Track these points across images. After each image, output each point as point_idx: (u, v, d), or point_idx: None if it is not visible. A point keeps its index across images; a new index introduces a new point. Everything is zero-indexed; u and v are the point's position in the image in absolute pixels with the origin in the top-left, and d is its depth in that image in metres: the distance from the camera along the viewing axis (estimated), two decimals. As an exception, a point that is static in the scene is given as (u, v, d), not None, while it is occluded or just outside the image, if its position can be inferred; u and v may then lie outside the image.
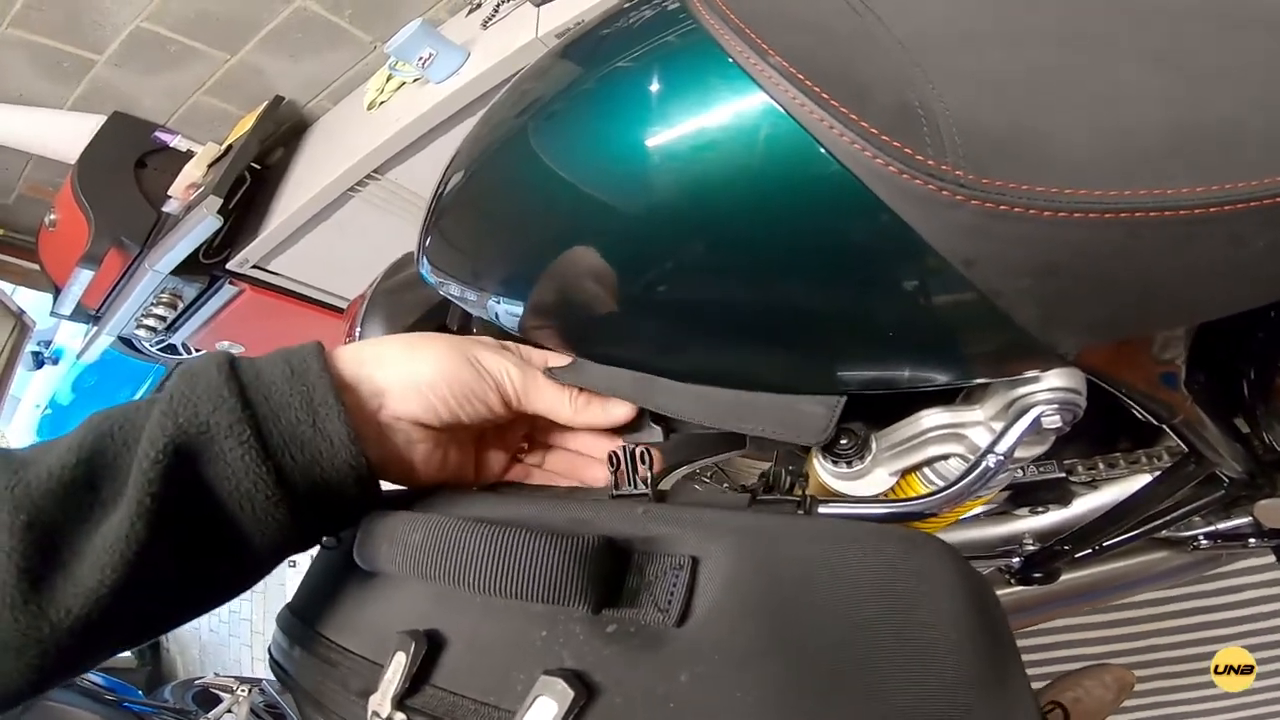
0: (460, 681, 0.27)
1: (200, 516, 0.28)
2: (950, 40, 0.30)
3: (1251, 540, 0.60)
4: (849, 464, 0.41)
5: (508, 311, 0.38)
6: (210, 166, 1.49)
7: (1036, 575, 0.60)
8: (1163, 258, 0.26)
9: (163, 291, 1.51)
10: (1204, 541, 0.61)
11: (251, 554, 0.30)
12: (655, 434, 0.39)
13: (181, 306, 1.57)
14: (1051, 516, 0.62)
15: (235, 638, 2.59)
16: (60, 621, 0.25)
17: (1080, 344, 0.29)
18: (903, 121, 0.25)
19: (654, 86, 0.30)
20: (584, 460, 0.41)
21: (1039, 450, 0.37)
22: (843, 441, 0.40)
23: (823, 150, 0.26)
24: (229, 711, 1.68)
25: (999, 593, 0.69)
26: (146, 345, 1.68)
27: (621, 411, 0.37)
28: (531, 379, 0.36)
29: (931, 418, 0.37)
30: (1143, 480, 0.57)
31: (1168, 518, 0.55)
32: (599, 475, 0.40)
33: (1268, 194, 0.24)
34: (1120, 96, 0.27)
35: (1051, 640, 0.96)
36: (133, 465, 0.27)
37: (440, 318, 0.59)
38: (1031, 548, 0.60)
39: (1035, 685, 0.97)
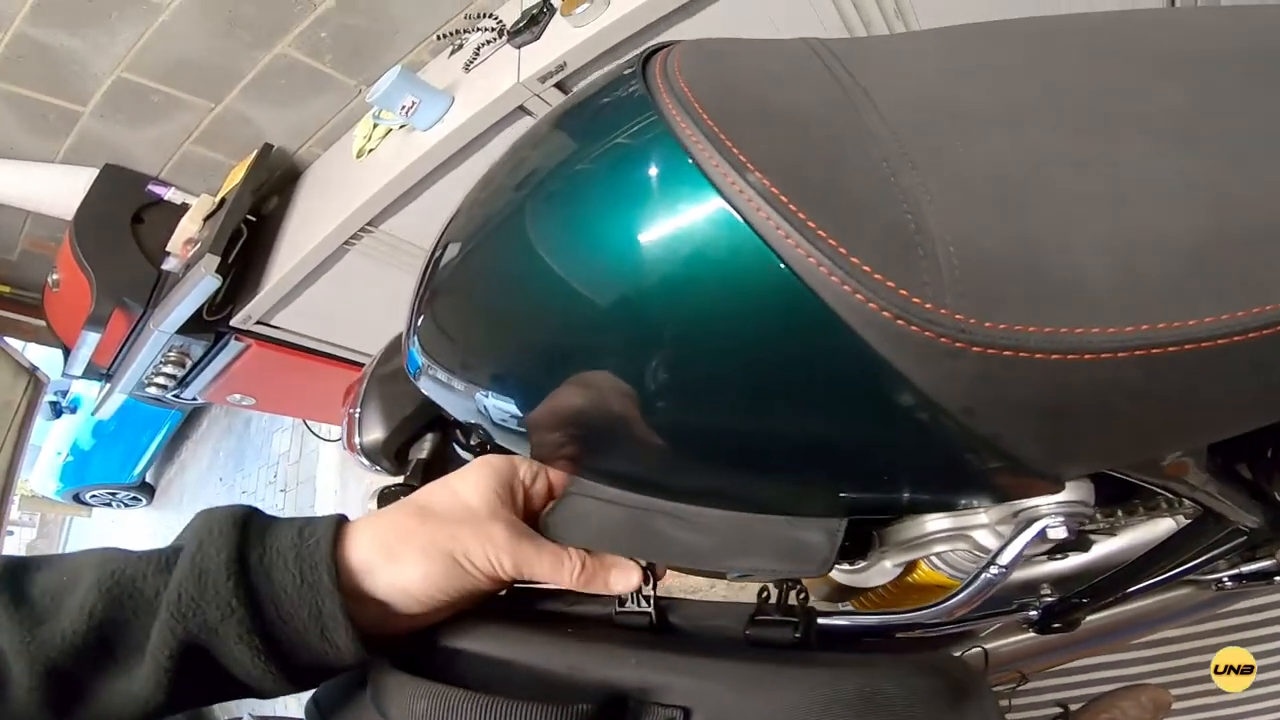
0: None
1: (212, 682, 0.31)
2: (947, 125, 0.27)
3: (1278, 578, 0.58)
4: (851, 561, 0.40)
5: (498, 408, 0.36)
6: (206, 220, 1.50)
7: (1056, 626, 0.58)
8: (1179, 392, 0.24)
9: (170, 350, 1.52)
10: (1228, 583, 0.59)
11: (262, 696, 0.32)
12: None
13: (190, 364, 1.58)
14: (1070, 562, 0.61)
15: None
16: None
17: (1088, 471, 0.28)
18: (897, 252, 0.23)
19: (616, 201, 0.28)
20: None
21: (1044, 549, 0.36)
22: (846, 543, 0.39)
23: (806, 288, 0.23)
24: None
25: (1017, 639, 0.68)
26: (163, 395, 1.71)
27: (624, 582, 0.35)
28: (526, 558, 0.34)
29: (935, 522, 0.36)
30: (1162, 524, 0.56)
31: (1190, 565, 0.54)
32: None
33: None
34: (1142, 203, 0.24)
35: (1089, 663, 0.94)
36: (146, 644, 0.29)
37: (435, 410, 0.59)
38: (1050, 598, 0.58)
39: (1073, 707, 0.95)
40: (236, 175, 1.54)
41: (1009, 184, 0.25)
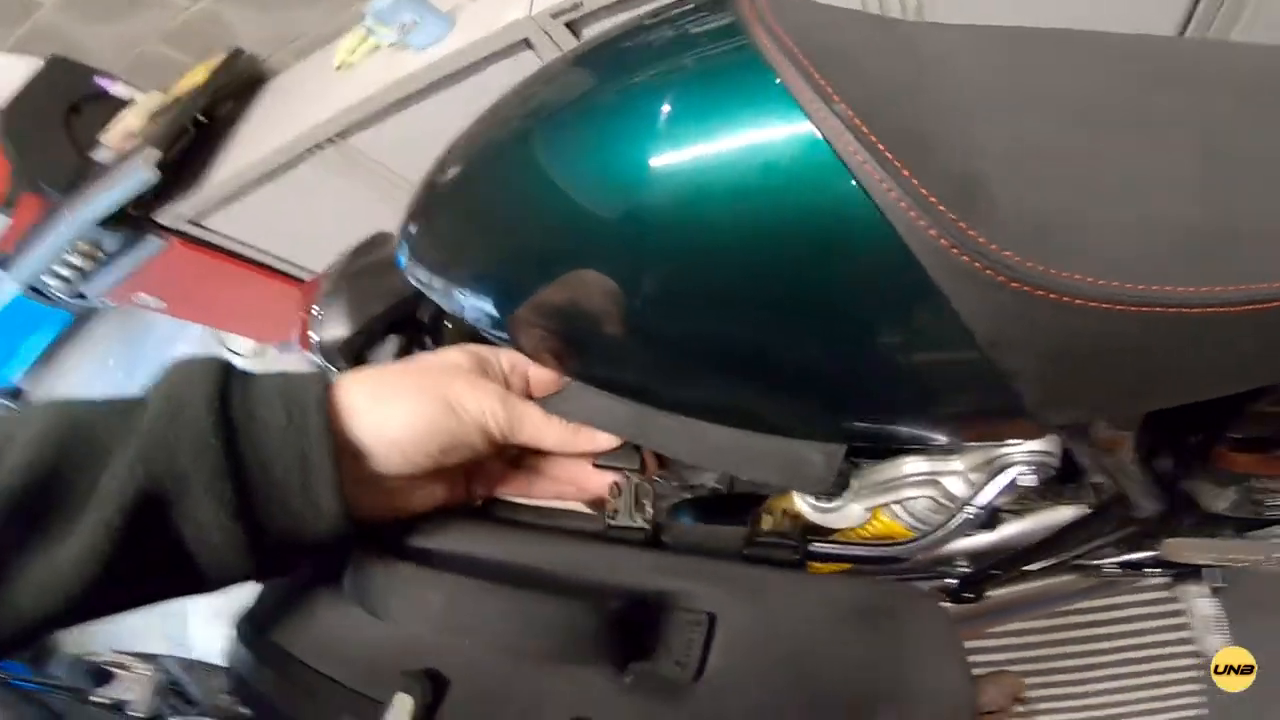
0: None
1: (157, 558, 0.27)
2: (1014, 105, 0.30)
3: (1149, 569, 0.67)
4: (827, 499, 0.43)
5: (492, 316, 0.36)
6: (151, 117, 1.38)
7: (966, 595, 0.65)
8: (1165, 352, 0.27)
9: (82, 241, 1.39)
10: (1110, 568, 0.67)
11: (204, 585, 0.29)
12: (634, 460, 0.37)
13: (101, 259, 1.44)
14: (981, 539, 0.68)
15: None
16: None
17: (1071, 420, 0.31)
18: (961, 192, 0.25)
19: (695, 110, 0.29)
20: (567, 483, 0.39)
21: (1009, 498, 0.40)
22: (837, 472, 0.42)
23: (874, 208, 0.25)
24: (128, 690, 1.58)
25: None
26: (57, 293, 1.54)
27: (610, 438, 0.36)
28: (517, 413, 0.34)
29: (913, 464, 0.40)
30: (1065, 511, 0.63)
31: (1086, 547, 0.61)
32: (590, 487, 0.38)
33: (1263, 299, 0.25)
34: (1166, 186, 0.27)
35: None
36: (90, 501, 0.25)
37: (409, 309, 0.56)
38: (965, 569, 0.65)
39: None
40: (195, 76, 1.42)
41: (1062, 159, 0.28)
